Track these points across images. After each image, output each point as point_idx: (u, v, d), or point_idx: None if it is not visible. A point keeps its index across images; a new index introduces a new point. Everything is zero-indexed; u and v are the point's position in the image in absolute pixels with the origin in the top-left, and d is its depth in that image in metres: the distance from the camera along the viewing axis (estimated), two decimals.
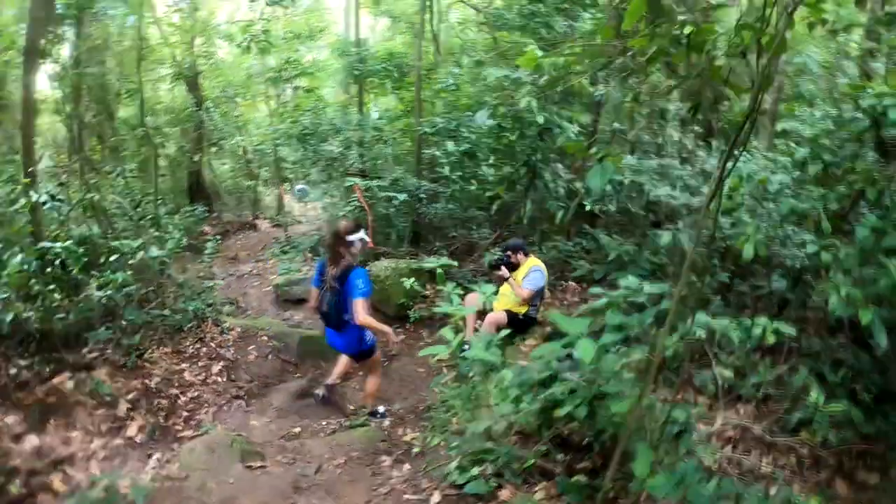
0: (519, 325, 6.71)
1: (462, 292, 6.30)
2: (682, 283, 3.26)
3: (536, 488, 4.07)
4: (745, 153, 7.35)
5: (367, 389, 5.86)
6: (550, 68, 6.00)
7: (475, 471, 4.13)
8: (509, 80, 6.83)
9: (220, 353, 6.76)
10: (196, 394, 5.95)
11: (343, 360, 5.96)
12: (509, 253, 6.94)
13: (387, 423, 5.84)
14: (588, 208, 7.48)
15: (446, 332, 4.36)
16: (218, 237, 11.31)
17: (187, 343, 6.76)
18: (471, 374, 5.13)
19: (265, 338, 7.27)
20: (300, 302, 9.75)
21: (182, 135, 17.82)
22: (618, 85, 7.14)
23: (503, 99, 9.84)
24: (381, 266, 8.68)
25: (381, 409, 5.96)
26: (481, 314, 6.88)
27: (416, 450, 5.06)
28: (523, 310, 6.85)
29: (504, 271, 6.81)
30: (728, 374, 4.55)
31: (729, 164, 3.09)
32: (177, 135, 17.73)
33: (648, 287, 3.76)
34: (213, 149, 19.49)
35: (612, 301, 3.78)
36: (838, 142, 5.37)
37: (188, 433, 5.25)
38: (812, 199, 5.58)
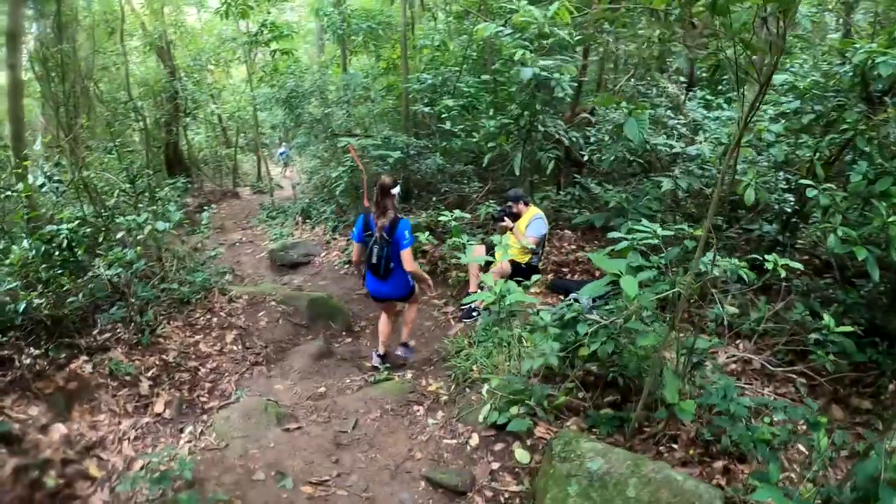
0: (522, 273, 6.76)
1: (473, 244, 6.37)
2: (706, 225, 3.35)
3: (568, 423, 4.29)
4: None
5: (407, 320, 6.20)
6: (544, 23, 6.01)
7: (514, 410, 4.30)
8: (502, 36, 6.74)
9: (232, 321, 6.77)
10: (215, 364, 5.96)
11: (385, 323, 6.19)
12: (510, 203, 6.98)
13: (409, 374, 5.95)
14: (586, 157, 7.50)
15: (486, 279, 4.39)
16: (211, 207, 11.12)
17: (197, 315, 6.76)
18: (501, 318, 5.14)
19: (273, 303, 7.27)
20: (297, 266, 9.78)
21: (156, 107, 17.40)
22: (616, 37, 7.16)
23: (492, 54, 9.83)
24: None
25: (412, 342, 6.38)
26: (487, 266, 6.95)
27: (444, 398, 5.18)
28: (526, 258, 6.96)
29: (507, 221, 6.88)
30: (733, 310, 4.67)
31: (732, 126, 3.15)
32: (151, 107, 17.30)
33: (661, 230, 3.83)
34: (188, 119, 19.13)
35: (630, 244, 3.84)
36: (829, 93, 5.56)
37: (215, 404, 5.26)
38: (807, 146, 5.73)
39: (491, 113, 7.38)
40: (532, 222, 6.85)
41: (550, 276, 7.56)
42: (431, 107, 9.94)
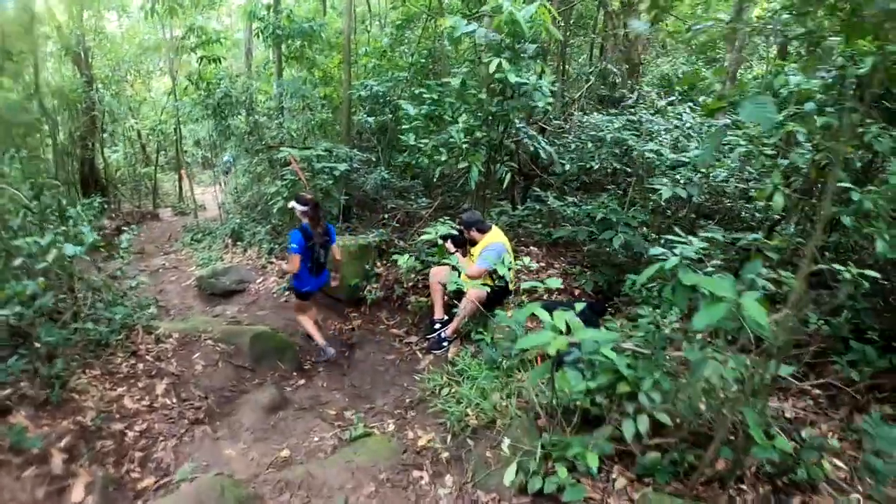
0: (495, 296, 5.92)
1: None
2: (816, 237, 2.94)
3: (613, 475, 3.54)
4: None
5: (308, 327, 6.41)
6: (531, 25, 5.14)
7: (562, 474, 3.36)
8: (473, 37, 5.78)
9: (161, 367, 5.47)
10: (145, 425, 4.69)
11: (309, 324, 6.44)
12: (462, 229, 6.15)
13: (391, 424, 4.88)
14: (567, 168, 6.59)
15: (545, 322, 3.43)
16: (131, 229, 9.66)
17: (119, 360, 5.43)
18: (506, 358, 4.26)
19: (210, 342, 5.96)
20: (230, 294, 8.48)
21: (71, 119, 15.52)
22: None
23: (440, 61, 8.86)
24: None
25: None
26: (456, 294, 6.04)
27: (444, 454, 4.15)
28: (487, 281, 6.05)
29: (449, 246, 6.04)
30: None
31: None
32: (65, 119, 15.42)
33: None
34: (105, 134, 17.28)
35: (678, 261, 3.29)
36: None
37: (150, 482, 4.01)
38: (832, 150, 5.06)
39: (460, 123, 6.38)
40: (484, 252, 5.95)
41: (525, 298, 6.59)
42: (375, 117, 8.86)
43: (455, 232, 5.89)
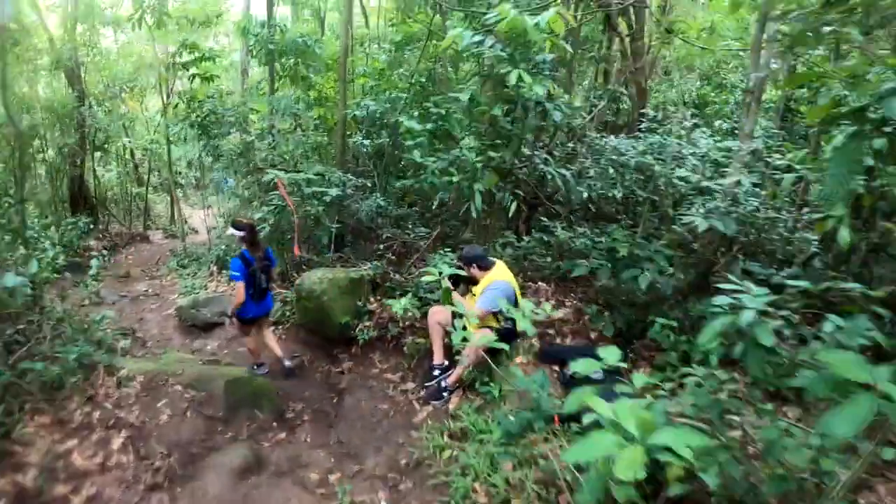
0: (500, 340, 5.14)
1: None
2: None
3: None
4: None
5: (274, 340, 6.39)
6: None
7: None
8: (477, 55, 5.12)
9: (121, 416, 4.69)
10: (94, 489, 3.92)
11: (270, 336, 6.38)
12: (464, 266, 5.39)
13: (381, 497, 4.16)
14: (585, 196, 5.86)
15: (604, 418, 2.69)
16: (104, 252, 8.91)
17: (73, 406, 4.67)
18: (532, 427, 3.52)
19: (178, 387, 5.14)
20: (210, 328, 7.69)
21: (62, 136, 14.77)
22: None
23: (440, 84, 8.19)
24: (314, 278, 6.76)
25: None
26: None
27: None
28: (493, 323, 5.29)
29: (457, 289, 5.36)
30: None
31: None
32: (55, 136, 14.67)
33: None
34: (98, 153, 16.51)
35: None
36: None
37: None
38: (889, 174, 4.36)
39: (472, 143, 5.67)
40: (486, 292, 5.21)
41: (534, 341, 5.84)
42: (372, 139, 8.16)
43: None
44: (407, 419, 5.27)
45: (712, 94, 10.57)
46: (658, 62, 11.64)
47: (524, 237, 7.54)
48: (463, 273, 5.15)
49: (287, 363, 6.15)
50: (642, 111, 7.10)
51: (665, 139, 5.44)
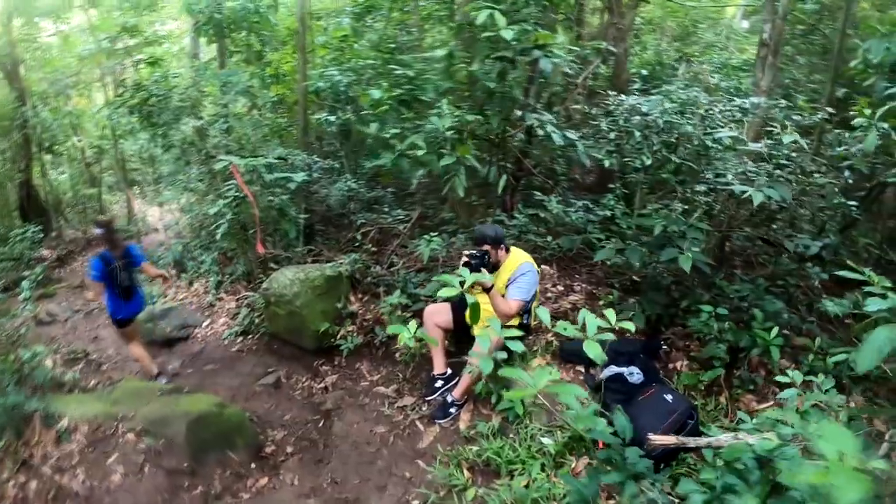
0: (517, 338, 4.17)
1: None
2: None
3: None
4: None
5: (140, 355, 5.82)
6: None
7: None
8: None
9: (63, 484, 3.59)
10: None
11: (138, 346, 5.86)
12: (487, 248, 4.23)
13: None
14: (606, 164, 4.85)
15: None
16: (33, 272, 7.70)
17: (4, 476, 3.59)
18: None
19: (131, 436, 4.00)
20: (172, 343, 6.57)
21: (3, 140, 13.28)
22: None
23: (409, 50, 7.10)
24: (285, 280, 5.69)
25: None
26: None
27: None
28: (515, 321, 4.27)
29: (487, 278, 4.09)
30: None
31: None
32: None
33: None
34: (49, 155, 15.00)
35: None
36: None
37: None
38: None
39: (444, 107, 4.61)
40: (518, 278, 4.20)
41: (550, 337, 4.88)
42: (338, 115, 7.04)
43: (476, 256, 4.15)
44: (410, 444, 4.27)
45: (696, 54, 9.68)
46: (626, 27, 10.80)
47: (516, 214, 6.54)
48: (474, 260, 4.13)
49: (163, 379, 5.64)
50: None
51: (690, 94, 4.45)
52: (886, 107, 3.57)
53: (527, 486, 3.36)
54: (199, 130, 8.05)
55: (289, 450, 4.42)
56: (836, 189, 4.33)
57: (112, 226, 5.74)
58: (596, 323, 2.42)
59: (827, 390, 2.82)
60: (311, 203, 7.41)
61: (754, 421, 2.82)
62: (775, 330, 3.88)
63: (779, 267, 4.92)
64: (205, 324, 6.83)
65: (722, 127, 4.32)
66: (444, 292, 2.50)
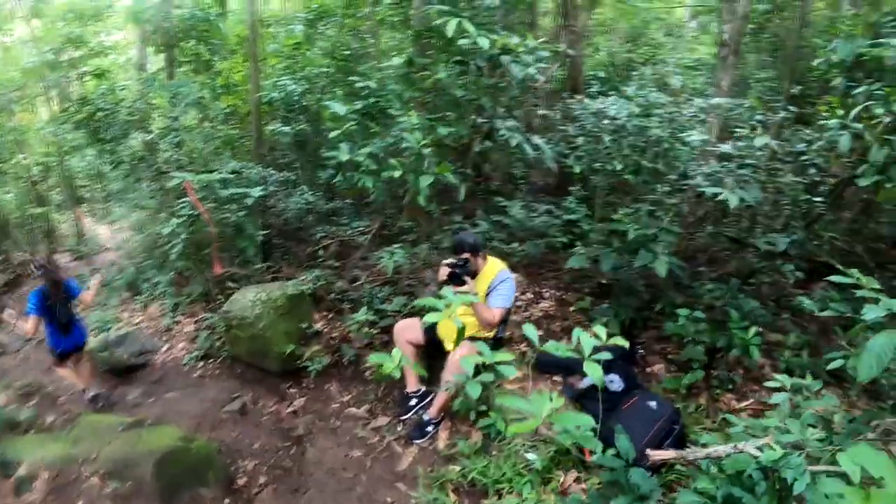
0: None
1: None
2: None
3: None
4: None
5: (86, 374, 5.76)
6: None
7: None
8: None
9: None
10: None
11: (84, 367, 5.78)
12: (466, 256, 4.11)
13: None
14: (577, 170, 4.73)
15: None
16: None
17: None
18: None
19: (96, 479, 3.71)
20: (130, 371, 6.23)
21: None
22: None
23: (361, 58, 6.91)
24: (245, 302, 5.43)
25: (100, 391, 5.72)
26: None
27: None
28: (491, 332, 4.15)
29: (470, 284, 4.00)
30: None
31: None
32: None
33: None
34: None
35: None
36: None
37: None
38: None
39: (416, 119, 4.45)
40: (498, 286, 4.13)
41: (524, 347, 4.77)
42: (292, 126, 6.81)
43: (458, 265, 4.03)
44: (389, 467, 4.09)
45: (650, 55, 9.75)
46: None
47: (479, 221, 6.41)
48: (457, 269, 4.02)
49: (91, 393, 5.62)
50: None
51: (652, 97, 4.40)
52: (859, 107, 3.57)
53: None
54: (148, 145, 7.72)
55: (262, 480, 4.18)
56: (802, 187, 4.33)
57: (50, 265, 5.70)
58: (591, 342, 2.29)
59: (818, 390, 2.77)
60: (267, 218, 7.16)
61: (744, 424, 2.76)
62: (753, 329, 3.84)
63: (743, 264, 4.92)
64: (163, 349, 6.50)
65: (689, 129, 4.29)
66: (430, 318, 2.36)
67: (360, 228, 6.96)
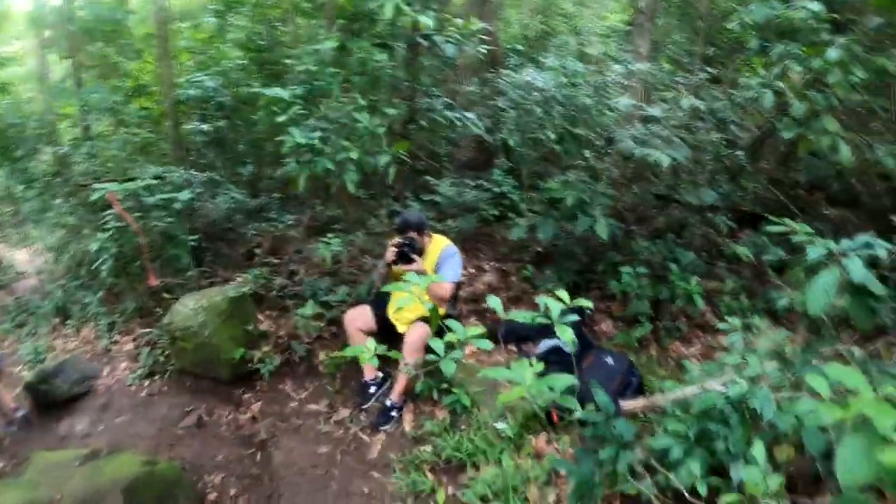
0: (440, 331, 4.08)
1: None
2: None
3: None
4: None
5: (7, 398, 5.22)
6: None
7: None
8: None
9: None
10: None
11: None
12: (412, 235, 4.15)
13: None
14: (511, 143, 4.75)
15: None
16: None
17: None
18: None
19: None
20: (74, 401, 5.89)
21: None
22: None
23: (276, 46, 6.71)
24: (186, 311, 5.22)
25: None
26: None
27: None
28: (443, 310, 4.18)
29: (419, 263, 4.03)
30: None
31: None
32: None
33: None
34: None
35: None
36: None
37: None
38: None
39: (361, 100, 4.39)
40: (446, 260, 4.19)
41: (474, 320, 4.81)
42: (211, 123, 6.59)
43: (405, 244, 4.05)
44: (359, 458, 4.05)
45: (563, 25, 9.88)
46: None
47: (410, 201, 6.38)
48: (406, 248, 4.05)
49: (17, 414, 5.20)
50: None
51: (571, 66, 4.48)
52: (780, 67, 3.76)
53: (498, 475, 3.26)
54: (60, 159, 7.30)
55: (232, 492, 4.07)
56: (724, 143, 4.53)
57: None
58: (559, 307, 2.33)
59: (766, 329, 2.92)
60: (194, 221, 6.91)
61: (700, 367, 2.88)
62: (694, 279, 4.01)
63: (671, 219, 5.11)
64: (105, 372, 6.17)
65: (615, 95, 4.41)
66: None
67: (290, 222, 6.84)
